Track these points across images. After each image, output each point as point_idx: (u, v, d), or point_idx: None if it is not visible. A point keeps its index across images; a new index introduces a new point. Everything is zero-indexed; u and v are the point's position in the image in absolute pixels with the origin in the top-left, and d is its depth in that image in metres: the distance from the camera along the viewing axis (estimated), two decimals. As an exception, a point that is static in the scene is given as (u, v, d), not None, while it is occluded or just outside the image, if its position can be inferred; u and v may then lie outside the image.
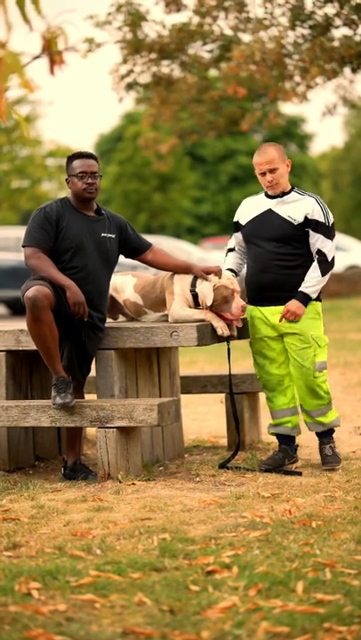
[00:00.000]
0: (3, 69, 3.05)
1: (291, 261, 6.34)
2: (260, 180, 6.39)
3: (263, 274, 6.38)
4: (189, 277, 6.42)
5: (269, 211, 6.40)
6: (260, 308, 6.45)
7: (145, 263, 6.50)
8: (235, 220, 6.61)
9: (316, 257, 6.31)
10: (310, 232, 6.31)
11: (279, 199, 6.39)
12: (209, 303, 6.27)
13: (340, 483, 5.92)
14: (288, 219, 6.33)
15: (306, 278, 6.30)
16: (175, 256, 6.80)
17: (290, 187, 6.42)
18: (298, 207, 6.33)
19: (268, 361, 6.44)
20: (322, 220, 6.30)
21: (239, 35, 13.84)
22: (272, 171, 6.32)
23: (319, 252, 6.31)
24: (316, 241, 6.31)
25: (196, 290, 6.34)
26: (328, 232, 6.31)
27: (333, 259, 6.33)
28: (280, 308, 6.36)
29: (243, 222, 6.51)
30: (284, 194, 6.39)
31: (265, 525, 4.90)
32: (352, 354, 12.77)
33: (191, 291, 6.37)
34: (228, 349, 6.49)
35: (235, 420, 6.57)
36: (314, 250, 6.33)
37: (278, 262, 6.34)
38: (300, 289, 6.30)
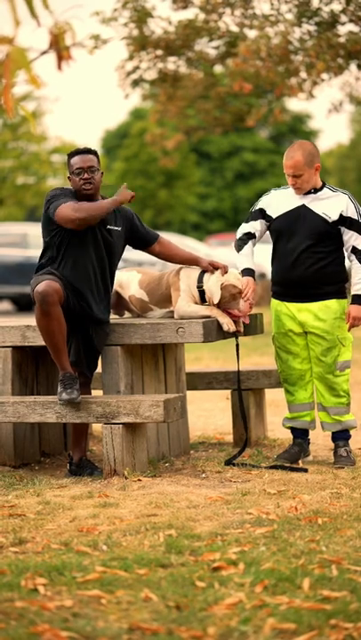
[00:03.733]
0: (10, 65, 3.04)
1: (322, 259, 6.30)
2: (286, 178, 6.33)
3: (293, 270, 6.33)
4: (196, 273, 6.41)
5: (303, 207, 6.31)
6: (286, 303, 6.41)
7: (152, 254, 6.49)
8: (260, 206, 6.45)
9: (352, 255, 6.25)
10: (344, 229, 6.26)
11: (313, 195, 6.31)
12: (216, 301, 6.26)
13: (346, 480, 5.92)
14: (323, 215, 6.26)
15: (353, 281, 6.26)
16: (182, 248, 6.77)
17: (321, 183, 6.35)
18: (332, 204, 6.27)
19: (292, 356, 6.43)
20: (355, 216, 6.25)
21: (245, 31, 13.82)
22: (296, 176, 6.25)
23: (355, 249, 6.24)
24: (350, 238, 6.25)
25: (204, 287, 6.33)
26: None
27: None
28: (308, 305, 6.34)
29: (273, 215, 6.40)
30: (316, 190, 6.32)
31: (271, 522, 4.90)
32: (358, 351, 12.74)
33: (198, 287, 6.36)
34: (237, 345, 6.48)
35: (242, 417, 6.56)
36: (348, 247, 6.27)
37: (310, 259, 6.29)
38: (352, 293, 6.26)
